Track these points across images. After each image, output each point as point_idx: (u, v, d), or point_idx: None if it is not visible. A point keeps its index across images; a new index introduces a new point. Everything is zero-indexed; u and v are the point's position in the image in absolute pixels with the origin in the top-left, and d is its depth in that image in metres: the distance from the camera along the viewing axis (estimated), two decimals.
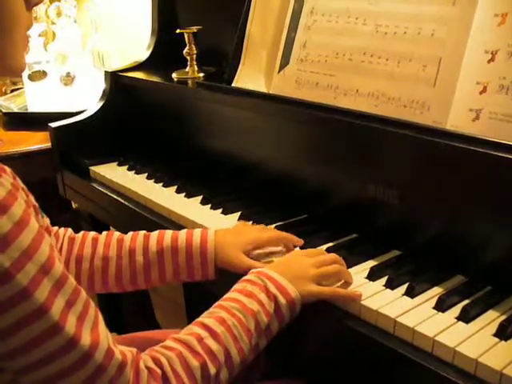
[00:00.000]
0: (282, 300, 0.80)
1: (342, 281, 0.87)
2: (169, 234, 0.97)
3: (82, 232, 1.01)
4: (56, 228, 1.01)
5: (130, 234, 0.99)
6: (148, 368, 0.69)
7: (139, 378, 0.67)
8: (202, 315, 0.78)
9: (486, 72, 0.87)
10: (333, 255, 0.90)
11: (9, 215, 0.59)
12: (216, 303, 0.80)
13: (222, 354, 0.73)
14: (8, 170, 0.66)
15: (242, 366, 0.77)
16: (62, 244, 0.99)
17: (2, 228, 0.58)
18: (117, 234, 1.00)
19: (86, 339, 0.63)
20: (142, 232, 0.99)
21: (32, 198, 0.78)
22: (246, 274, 0.88)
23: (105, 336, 0.65)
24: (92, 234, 1.00)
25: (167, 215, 1.19)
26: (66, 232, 1.01)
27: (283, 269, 0.85)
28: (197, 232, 0.96)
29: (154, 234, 0.97)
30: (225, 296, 0.81)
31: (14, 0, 0.67)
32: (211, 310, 0.79)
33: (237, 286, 0.82)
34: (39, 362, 0.61)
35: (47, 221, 0.95)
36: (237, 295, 0.80)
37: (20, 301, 0.59)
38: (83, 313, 0.64)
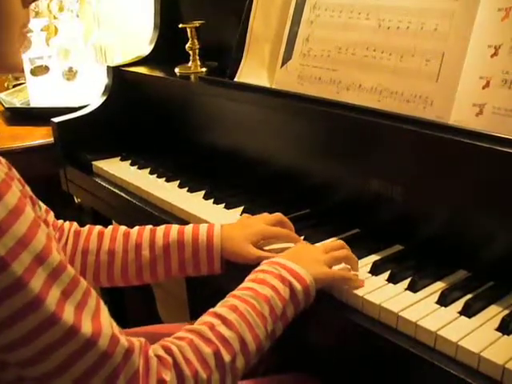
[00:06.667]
0: (297, 286, 0.79)
1: (349, 266, 0.87)
2: (175, 228, 0.97)
3: (87, 226, 1.02)
4: (61, 221, 1.02)
5: (136, 228, 0.99)
6: (158, 356, 0.68)
7: (149, 365, 0.66)
8: (216, 306, 0.78)
9: (489, 67, 0.87)
10: (339, 241, 0.90)
11: (3, 203, 0.58)
12: (229, 293, 0.79)
13: (237, 341, 0.72)
14: (3, 160, 0.66)
15: (259, 353, 0.76)
16: (68, 238, 0.99)
17: None
18: (123, 228, 1.00)
19: (87, 328, 0.62)
20: (149, 226, 0.99)
21: (28, 189, 0.78)
22: (254, 264, 0.88)
23: (108, 324, 0.65)
24: (98, 227, 1.01)
25: (170, 210, 1.19)
26: (71, 226, 1.02)
27: (295, 256, 0.85)
28: (203, 227, 0.96)
29: (161, 229, 0.97)
30: (238, 286, 0.81)
31: None
32: (224, 300, 0.78)
33: (250, 276, 0.82)
34: (40, 353, 0.61)
35: (51, 214, 0.95)
36: (249, 284, 0.80)
37: (15, 291, 0.59)
38: (82, 302, 0.64)
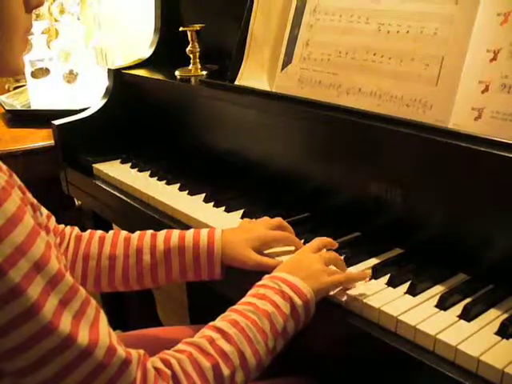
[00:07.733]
0: (297, 301, 0.79)
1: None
2: (176, 233, 0.97)
3: (88, 231, 1.01)
4: (62, 226, 1.01)
5: (137, 233, 0.99)
6: (156, 368, 0.68)
7: (146, 377, 0.66)
8: (216, 319, 0.77)
9: (488, 71, 0.87)
10: (335, 254, 0.90)
11: (1, 211, 0.58)
12: (230, 308, 0.79)
13: (236, 356, 0.72)
14: (4, 167, 0.66)
15: (260, 368, 0.76)
16: (69, 243, 0.99)
17: None
18: (124, 232, 1.00)
19: (83, 337, 0.62)
20: (150, 231, 0.99)
21: (30, 196, 0.78)
22: (254, 269, 0.88)
23: (106, 334, 0.65)
24: (99, 232, 1.00)
25: (170, 213, 1.19)
26: (72, 230, 1.01)
27: (295, 267, 0.85)
28: (204, 232, 0.96)
29: (161, 234, 0.97)
30: (239, 301, 0.80)
31: (12, 3, 0.68)
32: (224, 314, 0.78)
33: (251, 291, 0.82)
34: (37, 362, 0.61)
35: (52, 219, 0.95)
36: (250, 299, 0.79)
37: (12, 298, 0.58)
38: (80, 311, 0.63)
